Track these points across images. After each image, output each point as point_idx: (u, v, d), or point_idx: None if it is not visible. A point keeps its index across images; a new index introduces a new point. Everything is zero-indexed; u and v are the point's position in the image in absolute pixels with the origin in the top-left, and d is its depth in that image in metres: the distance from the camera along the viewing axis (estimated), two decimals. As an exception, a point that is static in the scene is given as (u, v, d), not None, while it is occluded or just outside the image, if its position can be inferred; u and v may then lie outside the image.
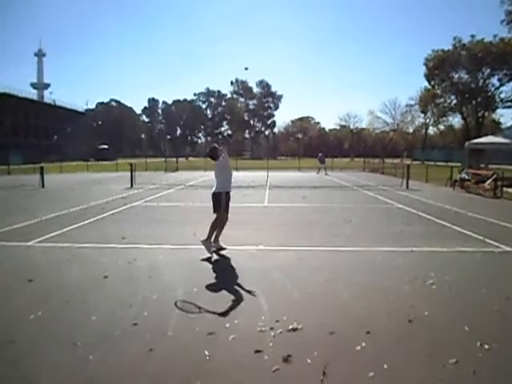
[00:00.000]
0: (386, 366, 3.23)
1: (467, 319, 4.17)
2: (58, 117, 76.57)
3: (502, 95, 56.45)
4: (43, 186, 20.45)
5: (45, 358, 3.39)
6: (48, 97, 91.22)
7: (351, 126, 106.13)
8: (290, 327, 3.94)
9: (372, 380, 3.05)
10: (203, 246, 6.87)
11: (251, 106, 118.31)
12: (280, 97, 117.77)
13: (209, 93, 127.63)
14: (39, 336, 3.81)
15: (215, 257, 6.72)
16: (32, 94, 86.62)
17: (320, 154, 32.35)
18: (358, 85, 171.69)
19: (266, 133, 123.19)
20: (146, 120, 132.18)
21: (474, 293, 5.01)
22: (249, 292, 5.01)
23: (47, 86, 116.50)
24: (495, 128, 62.75)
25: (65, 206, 12.73)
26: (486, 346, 3.56)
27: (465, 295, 4.94)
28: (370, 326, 3.98)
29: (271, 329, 3.91)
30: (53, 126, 75.77)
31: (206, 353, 3.46)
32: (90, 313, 4.31)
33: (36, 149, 61.36)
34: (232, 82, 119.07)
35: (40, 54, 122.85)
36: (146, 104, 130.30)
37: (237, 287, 5.22)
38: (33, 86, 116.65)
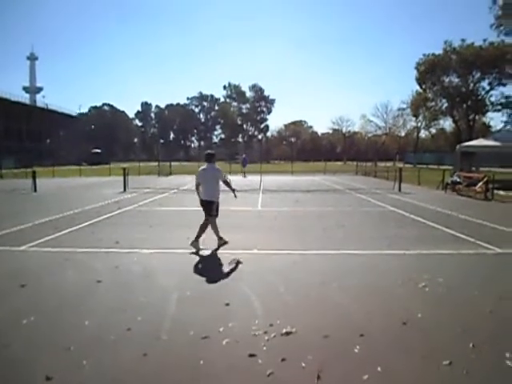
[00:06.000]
0: (379, 369, 3.25)
1: (460, 321, 4.20)
2: (50, 121, 75.96)
3: (492, 99, 57.10)
4: (35, 190, 20.31)
5: (38, 363, 3.37)
6: (40, 101, 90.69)
7: (344, 130, 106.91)
8: (284, 331, 3.95)
9: (366, 382, 3.06)
10: (194, 249, 7.37)
11: (244, 110, 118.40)
12: (273, 101, 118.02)
13: (202, 97, 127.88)
14: (32, 341, 3.78)
15: (209, 260, 6.71)
16: (24, 97, 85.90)
17: (244, 156, 34.60)
18: (351, 89, 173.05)
19: (259, 137, 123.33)
20: (139, 124, 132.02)
21: (466, 294, 5.06)
22: (242, 296, 5.02)
23: (40, 89, 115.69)
24: (486, 131, 63.22)
25: (57, 210, 12.66)
26: (479, 347, 3.59)
27: (458, 297, 4.98)
28: (364, 328, 4.00)
29: (265, 333, 3.92)
30: (45, 130, 75.23)
31: (200, 357, 3.46)
32: (84, 317, 4.29)
33: (28, 153, 60.87)
34: (225, 87, 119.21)
35: (32, 58, 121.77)
36: (139, 108, 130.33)
37: (230, 291, 5.21)
38: (25, 89, 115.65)
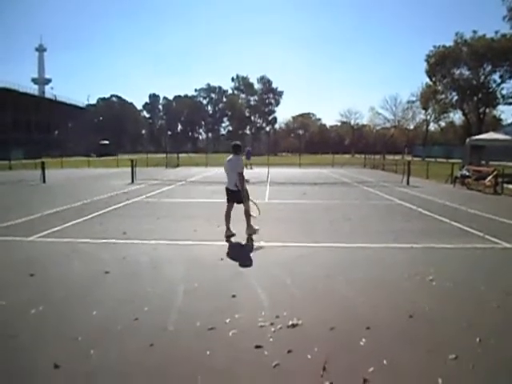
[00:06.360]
0: (385, 362, 3.25)
1: (467, 315, 4.18)
2: (59, 112, 76.27)
3: (504, 91, 56.33)
4: (44, 181, 20.47)
5: (46, 353, 3.41)
6: (49, 92, 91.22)
7: (352, 123, 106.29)
8: (291, 323, 3.96)
9: (372, 375, 3.06)
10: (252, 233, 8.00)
11: (252, 102, 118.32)
12: (281, 93, 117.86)
13: (210, 89, 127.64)
14: (41, 330, 3.83)
15: (216, 252, 6.72)
16: (33, 89, 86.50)
17: (248, 149, 35.30)
18: (359, 81, 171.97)
19: (267, 129, 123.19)
20: (147, 116, 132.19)
21: (473, 289, 5.03)
22: (249, 288, 5.03)
23: (48, 81, 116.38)
24: (496, 124, 62.62)
25: (66, 201, 12.75)
26: (486, 342, 3.58)
27: (465, 291, 4.95)
28: (370, 321, 4.00)
29: (271, 324, 3.93)
30: (54, 122, 75.66)
31: (207, 348, 3.48)
32: (91, 308, 4.33)
33: (37, 144, 61.35)
34: (233, 78, 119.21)
35: (41, 49, 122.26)
36: (147, 100, 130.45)
37: (237, 283, 5.23)
38: (34, 81, 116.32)
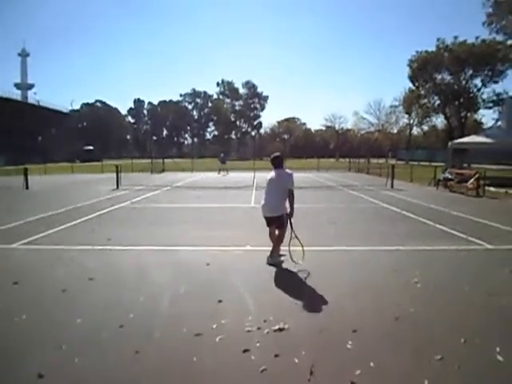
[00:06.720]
0: (372, 364, 3.27)
1: (451, 316, 4.23)
2: (42, 118, 75.15)
3: (484, 96, 57.39)
4: (27, 187, 20.16)
5: (30, 362, 3.35)
6: (32, 97, 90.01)
7: (337, 127, 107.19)
8: (277, 327, 3.95)
9: (359, 378, 3.07)
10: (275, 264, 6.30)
11: (237, 107, 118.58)
12: (266, 98, 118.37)
13: (195, 94, 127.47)
14: (24, 339, 3.76)
15: (202, 257, 6.69)
16: (16, 94, 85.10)
17: (222, 155, 35.42)
18: (344, 86, 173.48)
19: (253, 134, 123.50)
20: (132, 121, 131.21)
21: (457, 290, 5.09)
22: (236, 292, 5.02)
23: (31, 86, 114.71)
24: (477, 128, 63.63)
25: (49, 207, 12.57)
26: (470, 342, 3.62)
27: (449, 292, 5.01)
28: (356, 324, 4.02)
29: (258, 329, 3.92)
30: (37, 127, 74.49)
31: (193, 354, 3.45)
32: (76, 315, 4.27)
33: (20, 150, 60.38)
34: (218, 83, 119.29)
35: (23, 54, 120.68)
36: (132, 105, 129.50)
37: (224, 288, 5.21)
38: (16, 86, 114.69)
